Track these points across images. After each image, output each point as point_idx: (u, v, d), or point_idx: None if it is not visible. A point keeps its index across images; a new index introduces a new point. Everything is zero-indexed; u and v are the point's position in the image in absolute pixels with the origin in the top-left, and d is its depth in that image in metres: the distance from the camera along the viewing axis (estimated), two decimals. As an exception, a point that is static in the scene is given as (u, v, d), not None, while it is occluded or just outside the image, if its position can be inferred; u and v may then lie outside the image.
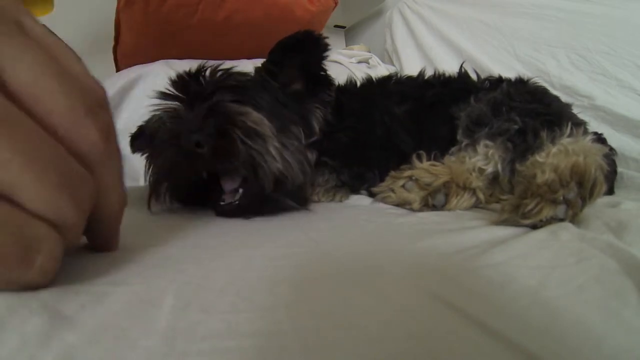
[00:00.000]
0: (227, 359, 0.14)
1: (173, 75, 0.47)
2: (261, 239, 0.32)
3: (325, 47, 0.48)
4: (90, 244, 0.24)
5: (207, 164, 0.38)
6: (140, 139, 0.56)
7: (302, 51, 0.49)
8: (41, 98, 0.17)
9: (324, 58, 0.50)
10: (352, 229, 0.37)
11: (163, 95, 0.46)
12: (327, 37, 0.49)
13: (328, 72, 0.52)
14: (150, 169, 0.44)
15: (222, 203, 0.40)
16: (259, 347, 0.15)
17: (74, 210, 0.18)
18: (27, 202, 0.16)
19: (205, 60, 0.47)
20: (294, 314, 0.17)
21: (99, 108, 0.20)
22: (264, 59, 0.51)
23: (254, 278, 0.21)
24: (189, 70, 0.46)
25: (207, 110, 0.40)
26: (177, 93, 0.46)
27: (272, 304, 0.18)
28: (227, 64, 0.48)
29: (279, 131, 0.42)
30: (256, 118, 0.41)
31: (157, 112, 0.47)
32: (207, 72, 0.46)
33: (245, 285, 0.20)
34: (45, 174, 0.16)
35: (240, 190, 0.40)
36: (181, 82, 0.46)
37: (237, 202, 0.40)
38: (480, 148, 0.49)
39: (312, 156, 0.50)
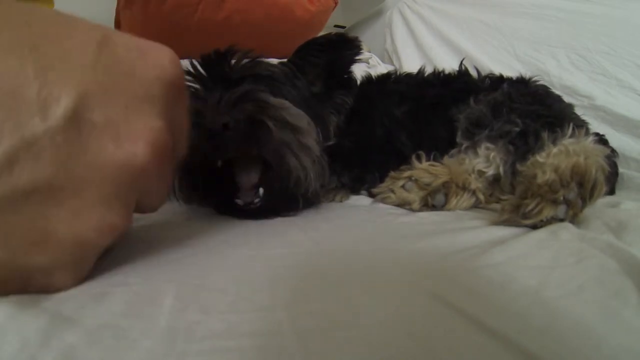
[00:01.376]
0: (226, 358, 0.14)
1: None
2: (261, 239, 0.32)
3: (358, 49, 0.48)
4: None
5: (228, 148, 0.35)
6: None
7: (332, 51, 0.48)
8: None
9: (355, 61, 0.49)
10: (352, 229, 0.37)
11: (186, 74, 0.43)
12: (361, 40, 0.49)
13: (353, 75, 0.52)
14: None
15: (238, 201, 0.37)
16: (259, 347, 0.15)
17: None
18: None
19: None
20: (293, 314, 0.17)
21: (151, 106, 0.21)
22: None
23: (253, 278, 0.21)
24: (216, 51, 0.44)
25: (239, 96, 0.37)
26: (201, 73, 0.43)
27: (271, 304, 0.18)
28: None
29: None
30: (295, 111, 0.39)
31: None
32: (235, 57, 0.43)
33: (245, 285, 0.20)
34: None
35: (261, 190, 0.37)
36: (206, 63, 0.43)
37: (258, 203, 0.37)
38: (482, 151, 0.49)
39: (325, 160, 0.47)
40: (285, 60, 0.50)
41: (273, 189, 0.38)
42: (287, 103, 0.40)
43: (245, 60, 0.44)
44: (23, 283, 0.17)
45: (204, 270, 0.22)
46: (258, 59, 0.45)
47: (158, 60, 0.22)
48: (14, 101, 0.16)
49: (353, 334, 0.16)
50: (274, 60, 0.51)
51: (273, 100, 0.39)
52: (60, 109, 0.17)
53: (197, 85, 0.43)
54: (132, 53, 0.21)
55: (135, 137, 0.19)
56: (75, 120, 0.17)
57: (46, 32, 0.18)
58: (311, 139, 0.40)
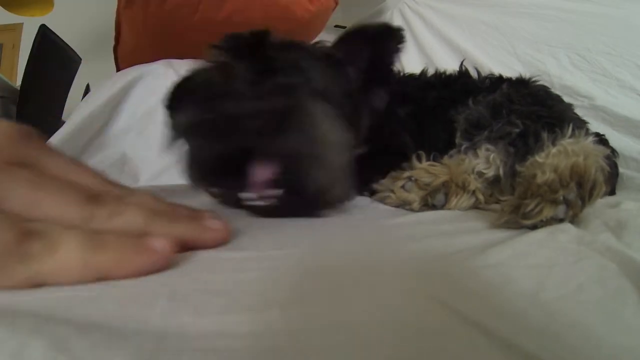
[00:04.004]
0: (217, 359, 0.14)
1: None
2: (257, 239, 0.31)
3: (403, 40, 0.45)
4: None
5: (248, 138, 0.32)
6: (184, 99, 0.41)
7: (378, 43, 0.45)
8: None
9: (399, 53, 0.46)
10: (350, 229, 0.37)
11: (214, 48, 0.39)
12: (404, 30, 0.46)
13: (393, 71, 0.48)
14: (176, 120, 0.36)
15: (242, 195, 0.34)
16: (251, 347, 0.15)
17: None
18: None
19: None
20: (287, 315, 0.17)
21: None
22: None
23: (248, 279, 0.21)
24: (252, 32, 0.40)
25: (274, 87, 0.34)
26: (231, 49, 0.39)
27: (265, 305, 0.18)
28: None
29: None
30: (331, 114, 0.36)
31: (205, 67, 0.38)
32: (273, 39, 0.40)
33: (239, 286, 0.20)
34: None
35: (281, 191, 0.33)
36: (240, 43, 0.39)
37: (275, 204, 0.33)
38: (482, 152, 0.49)
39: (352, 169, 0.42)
40: (329, 45, 0.47)
41: (291, 192, 0.33)
42: (320, 110, 0.36)
43: (288, 45, 0.40)
44: None
45: (197, 271, 0.22)
46: (302, 45, 0.41)
47: None
48: None
49: (347, 335, 0.16)
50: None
51: (310, 105, 0.36)
52: None
53: (228, 59, 0.38)
54: None
55: None
56: None
57: None
58: (341, 148, 0.37)
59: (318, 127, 0.34)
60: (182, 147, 0.36)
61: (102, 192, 0.21)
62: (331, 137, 0.35)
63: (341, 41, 0.46)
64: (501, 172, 0.48)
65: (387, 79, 0.49)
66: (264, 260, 0.25)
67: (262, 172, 0.33)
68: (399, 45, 0.45)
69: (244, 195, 0.34)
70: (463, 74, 0.64)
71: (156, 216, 0.22)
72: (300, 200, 0.34)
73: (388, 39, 0.45)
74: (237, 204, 0.36)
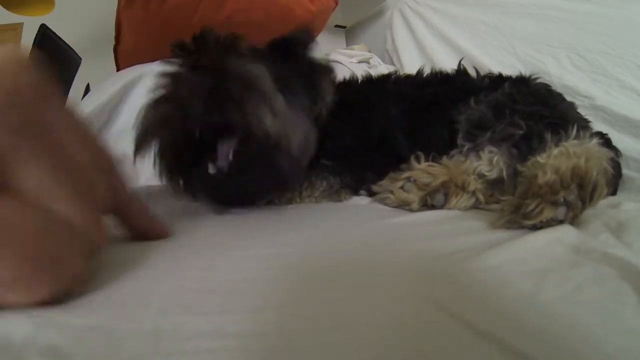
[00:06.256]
0: (212, 359, 0.14)
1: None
2: (255, 239, 0.32)
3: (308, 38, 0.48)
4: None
5: (201, 120, 0.35)
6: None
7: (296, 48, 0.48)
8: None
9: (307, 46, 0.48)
10: (348, 229, 0.37)
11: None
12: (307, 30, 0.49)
13: (316, 60, 0.50)
14: (140, 123, 0.39)
15: (210, 170, 0.36)
16: (245, 347, 0.15)
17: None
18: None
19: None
20: (282, 316, 0.17)
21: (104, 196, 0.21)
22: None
23: (244, 279, 0.21)
24: (194, 35, 0.42)
25: (213, 75, 0.36)
26: (182, 57, 0.42)
27: (260, 305, 0.18)
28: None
29: (284, 93, 0.39)
30: (257, 72, 0.37)
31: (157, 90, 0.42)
32: (213, 36, 0.42)
33: (234, 286, 0.20)
34: None
35: (231, 151, 0.36)
36: (184, 46, 0.42)
37: (227, 167, 0.35)
38: (485, 154, 0.48)
39: (315, 133, 0.45)
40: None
41: (247, 154, 0.36)
42: (251, 66, 0.38)
43: (226, 38, 0.42)
44: None
45: (193, 271, 0.22)
46: (238, 36, 0.43)
47: None
48: None
49: (342, 335, 0.16)
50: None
51: (247, 72, 0.38)
52: None
53: (177, 69, 0.41)
54: None
55: None
56: None
57: None
58: (288, 100, 0.39)
59: (255, 86, 0.36)
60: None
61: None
62: (268, 89, 0.37)
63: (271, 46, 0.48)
64: (504, 174, 0.48)
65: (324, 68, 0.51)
66: (261, 259, 0.25)
67: (228, 145, 0.36)
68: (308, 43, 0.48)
69: (211, 168, 0.36)
70: (461, 72, 0.64)
71: None
72: (258, 159, 0.36)
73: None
74: (206, 190, 0.38)
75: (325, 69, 0.51)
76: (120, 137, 0.89)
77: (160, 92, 0.39)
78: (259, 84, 0.37)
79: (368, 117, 0.56)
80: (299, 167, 0.41)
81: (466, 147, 0.51)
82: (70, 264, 0.17)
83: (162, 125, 0.37)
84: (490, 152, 0.48)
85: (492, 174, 0.48)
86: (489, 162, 0.48)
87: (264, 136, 0.35)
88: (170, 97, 0.36)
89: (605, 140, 0.55)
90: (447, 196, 0.46)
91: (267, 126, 0.35)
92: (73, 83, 1.54)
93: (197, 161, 0.38)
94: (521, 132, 0.48)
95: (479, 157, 0.49)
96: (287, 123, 0.37)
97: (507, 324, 0.17)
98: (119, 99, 0.91)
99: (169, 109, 0.36)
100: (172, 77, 0.41)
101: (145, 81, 0.93)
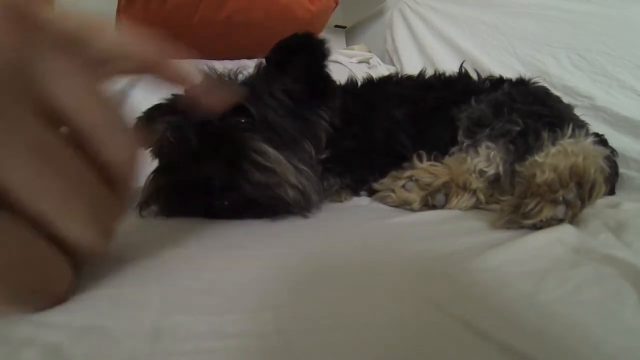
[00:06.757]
0: (210, 358, 0.14)
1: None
2: (256, 240, 0.32)
3: (325, 54, 0.46)
4: None
5: (215, 195, 0.37)
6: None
7: (304, 53, 0.46)
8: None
9: (324, 66, 0.47)
10: (348, 229, 0.37)
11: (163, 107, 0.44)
12: (328, 42, 0.46)
13: (331, 80, 0.49)
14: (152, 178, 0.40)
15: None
16: (243, 348, 0.15)
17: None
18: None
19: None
20: (280, 316, 0.17)
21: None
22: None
23: (243, 279, 0.21)
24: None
25: (218, 139, 0.38)
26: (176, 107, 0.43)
27: (258, 306, 0.18)
28: (230, 65, 0.46)
29: (291, 149, 0.41)
30: (271, 154, 0.39)
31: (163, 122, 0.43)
32: None
33: (233, 286, 0.20)
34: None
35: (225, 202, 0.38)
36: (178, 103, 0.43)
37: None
38: (482, 150, 0.49)
39: (320, 169, 0.48)
40: (263, 58, 0.49)
41: (239, 202, 0.38)
42: (262, 145, 0.39)
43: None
44: None
45: (192, 272, 0.22)
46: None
47: None
48: None
49: (342, 335, 0.16)
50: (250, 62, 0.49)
51: (249, 141, 0.39)
52: None
53: (179, 120, 0.42)
54: None
55: None
56: None
57: None
58: (297, 160, 0.41)
59: (270, 169, 0.38)
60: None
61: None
62: (285, 169, 0.39)
63: (271, 56, 0.48)
64: (501, 170, 0.48)
65: (329, 89, 0.49)
66: (261, 260, 0.25)
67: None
68: (323, 58, 0.46)
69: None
70: (463, 75, 0.64)
71: None
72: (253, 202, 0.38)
73: (312, 50, 0.46)
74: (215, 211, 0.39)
75: (328, 93, 0.50)
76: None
77: (171, 151, 0.41)
78: (274, 167, 0.38)
79: (370, 119, 0.56)
80: (304, 202, 0.41)
81: (465, 144, 0.51)
82: (54, 286, 0.17)
83: (172, 171, 0.39)
84: (488, 147, 0.49)
85: (490, 170, 0.48)
86: (486, 157, 0.49)
87: (253, 189, 0.37)
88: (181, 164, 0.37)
89: (601, 140, 0.56)
90: (448, 196, 0.46)
91: (256, 180, 0.37)
92: (73, 83, 1.54)
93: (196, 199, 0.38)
94: (518, 128, 0.49)
95: (477, 153, 0.49)
96: (300, 185, 0.39)
97: (507, 324, 0.17)
98: (118, 99, 0.91)
99: (180, 172, 0.37)
100: (178, 134, 0.41)
101: (145, 81, 0.93)
